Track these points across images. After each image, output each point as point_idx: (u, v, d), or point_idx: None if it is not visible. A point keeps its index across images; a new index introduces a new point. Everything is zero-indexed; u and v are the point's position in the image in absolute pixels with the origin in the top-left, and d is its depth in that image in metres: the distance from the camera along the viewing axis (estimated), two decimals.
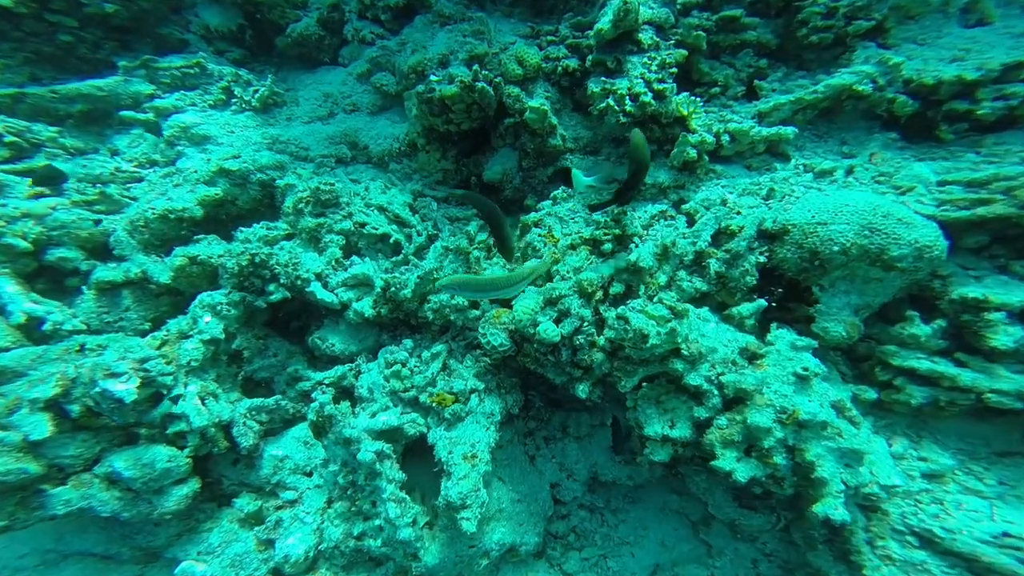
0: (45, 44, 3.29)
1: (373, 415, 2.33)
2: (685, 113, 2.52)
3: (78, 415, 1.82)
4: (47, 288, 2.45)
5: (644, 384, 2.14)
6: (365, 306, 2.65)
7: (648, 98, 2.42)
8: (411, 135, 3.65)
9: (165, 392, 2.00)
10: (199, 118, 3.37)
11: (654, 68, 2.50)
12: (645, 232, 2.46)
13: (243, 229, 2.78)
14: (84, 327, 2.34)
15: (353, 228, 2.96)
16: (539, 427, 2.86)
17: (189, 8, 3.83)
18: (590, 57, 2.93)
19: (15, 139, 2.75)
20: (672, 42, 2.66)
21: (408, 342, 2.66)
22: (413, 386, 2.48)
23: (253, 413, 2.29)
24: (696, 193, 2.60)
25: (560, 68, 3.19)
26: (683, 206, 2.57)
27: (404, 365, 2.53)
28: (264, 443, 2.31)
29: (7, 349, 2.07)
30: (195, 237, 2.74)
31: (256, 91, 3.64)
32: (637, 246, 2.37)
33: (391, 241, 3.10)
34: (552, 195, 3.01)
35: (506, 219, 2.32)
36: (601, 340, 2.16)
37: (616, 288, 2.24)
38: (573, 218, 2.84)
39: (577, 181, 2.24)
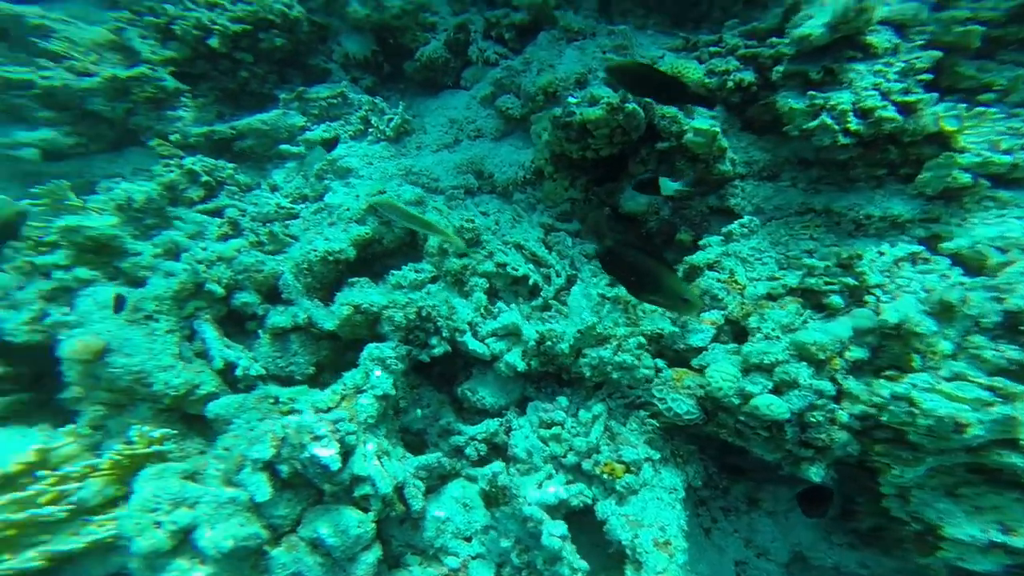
0: (230, 81, 3.52)
1: (540, 485, 2.18)
2: (950, 129, 2.00)
3: (287, 476, 1.85)
4: (226, 332, 2.59)
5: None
6: (516, 358, 2.50)
7: (889, 112, 1.94)
8: (538, 162, 3.44)
9: (351, 452, 1.99)
10: (343, 150, 3.43)
11: (892, 76, 2.01)
12: (888, 281, 2.02)
13: (395, 272, 2.76)
14: (264, 371, 2.45)
15: (495, 270, 2.83)
16: (713, 496, 2.54)
17: (333, 37, 3.93)
18: (778, 68, 2.49)
19: (208, 178, 2.95)
20: (919, 42, 2.14)
21: (563, 400, 2.48)
22: (572, 449, 2.31)
23: (419, 471, 2.24)
24: (965, 228, 2.06)
25: (731, 83, 2.78)
26: (943, 245, 2.06)
27: (562, 427, 2.36)
28: (427, 502, 2.26)
29: (216, 395, 2.20)
30: (348, 280, 2.76)
31: (390, 120, 3.64)
32: (880, 300, 1.93)
33: (529, 283, 2.94)
34: (725, 230, 2.61)
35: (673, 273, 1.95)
36: (844, 416, 1.81)
37: (856, 353, 1.86)
38: (760, 259, 2.43)
39: (664, 188, 2.23)
